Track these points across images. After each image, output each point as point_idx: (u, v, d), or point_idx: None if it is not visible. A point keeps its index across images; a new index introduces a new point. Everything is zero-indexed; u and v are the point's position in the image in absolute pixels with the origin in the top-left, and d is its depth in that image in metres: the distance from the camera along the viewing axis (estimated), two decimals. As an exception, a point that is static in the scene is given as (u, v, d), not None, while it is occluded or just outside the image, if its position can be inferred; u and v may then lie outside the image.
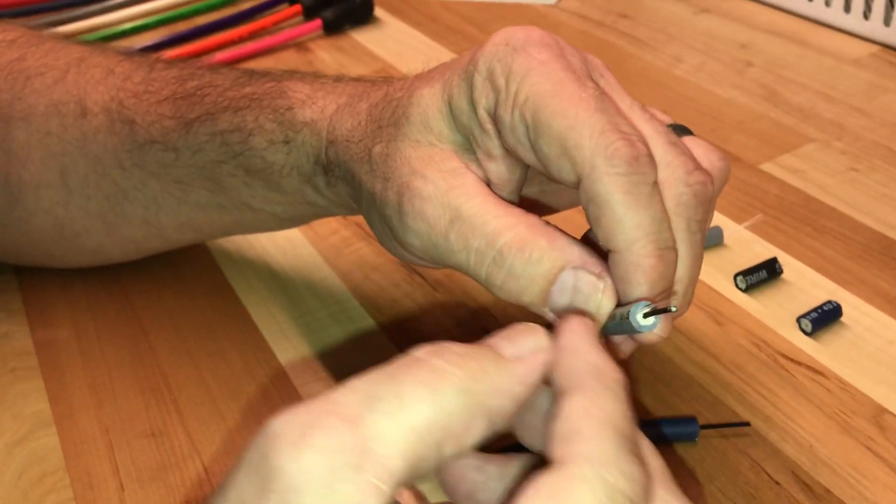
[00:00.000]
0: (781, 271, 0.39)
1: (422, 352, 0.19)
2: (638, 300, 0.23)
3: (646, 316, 0.22)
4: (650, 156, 0.24)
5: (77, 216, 0.36)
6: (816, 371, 0.34)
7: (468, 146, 0.26)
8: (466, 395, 0.18)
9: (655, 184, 0.24)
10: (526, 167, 0.27)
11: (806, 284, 0.39)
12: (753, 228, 0.42)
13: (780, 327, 0.36)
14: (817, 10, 0.63)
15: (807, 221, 0.43)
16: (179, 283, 0.41)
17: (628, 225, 0.23)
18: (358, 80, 0.32)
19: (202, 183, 0.34)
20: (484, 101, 0.25)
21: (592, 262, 0.24)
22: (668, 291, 0.24)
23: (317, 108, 0.30)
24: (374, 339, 0.37)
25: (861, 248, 0.41)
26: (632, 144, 0.23)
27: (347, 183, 0.30)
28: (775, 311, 0.37)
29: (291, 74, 0.33)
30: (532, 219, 0.25)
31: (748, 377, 0.34)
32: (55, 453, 0.32)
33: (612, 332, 0.24)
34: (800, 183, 0.46)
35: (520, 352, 0.20)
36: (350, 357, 0.36)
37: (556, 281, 0.24)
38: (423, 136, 0.26)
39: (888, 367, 0.34)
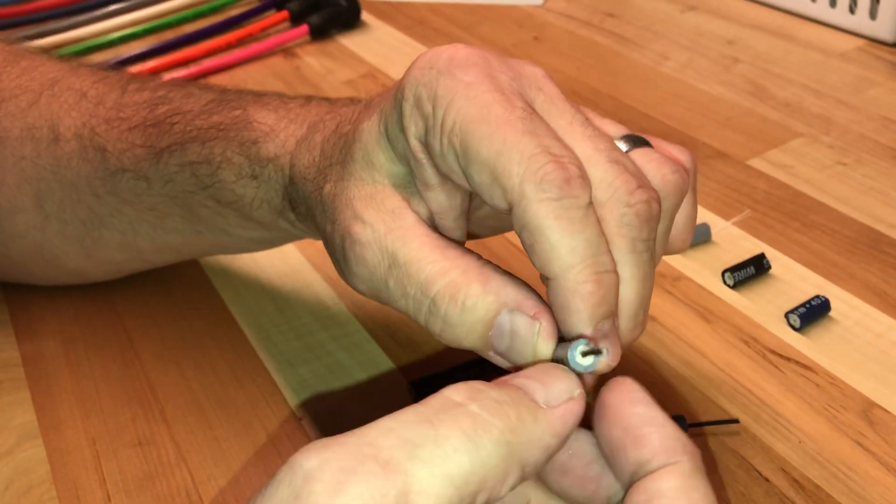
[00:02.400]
0: (769, 267, 0.39)
1: (458, 395, 0.18)
2: (577, 338, 0.22)
3: (584, 355, 0.22)
4: (583, 177, 0.22)
5: (55, 240, 0.36)
6: (805, 366, 0.34)
7: (408, 177, 0.25)
8: (505, 447, 0.18)
9: (590, 206, 0.22)
10: (468, 192, 0.26)
11: (794, 279, 0.39)
12: (741, 224, 0.42)
13: (769, 323, 0.36)
14: (803, 5, 0.63)
15: (794, 216, 0.43)
16: (166, 291, 0.40)
17: (562, 251, 0.22)
18: (323, 102, 0.31)
19: (176, 211, 0.33)
20: (413, 128, 0.24)
21: (528, 304, 0.23)
22: (610, 315, 0.23)
23: (279, 143, 0.30)
24: (363, 345, 0.37)
25: (849, 242, 0.41)
26: (562, 167, 0.22)
27: (310, 220, 0.29)
28: (764, 307, 0.37)
29: (259, 99, 0.32)
30: (467, 261, 0.24)
31: (737, 374, 0.34)
32: (42, 465, 0.32)
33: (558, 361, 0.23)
34: (787, 178, 0.46)
35: (553, 399, 0.20)
36: (339, 364, 0.36)
37: (493, 325, 0.23)
38: (367, 173, 0.26)
39: (877, 361, 0.34)
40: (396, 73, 0.32)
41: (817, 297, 0.36)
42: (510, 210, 0.23)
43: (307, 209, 0.28)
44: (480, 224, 0.28)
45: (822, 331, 0.36)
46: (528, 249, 0.23)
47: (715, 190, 0.45)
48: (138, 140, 0.33)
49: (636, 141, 0.26)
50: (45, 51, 0.40)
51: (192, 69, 0.61)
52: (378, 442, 0.17)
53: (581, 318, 0.22)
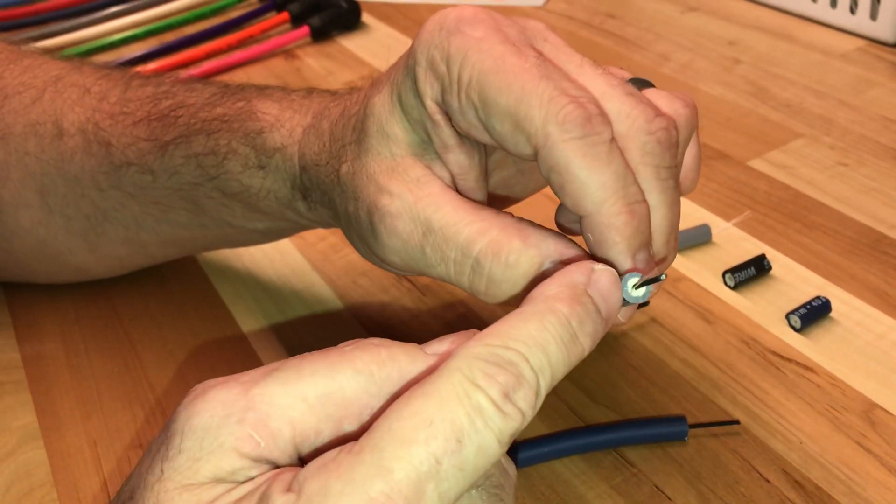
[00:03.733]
0: (770, 268, 0.39)
1: (346, 342, 0.20)
2: (627, 272, 0.23)
3: (636, 287, 0.23)
4: (602, 114, 0.23)
5: (59, 235, 0.36)
6: (806, 367, 0.34)
7: (426, 143, 0.26)
8: (365, 377, 0.19)
9: (613, 140, 0.23)
10: (484, 150, 0.26)
11: (795, 280, 0.39)
12: (742, 225, 0.42)
13: (770, 324, 0.36)
14: (804, 6, 0.63)
15: (795, 217, 0.43)
16: (167, 293, 0.40)
17: (593, 187, 0.23)
18: (325, 93, 0.31)
19: (181, 204, 0.33)
20: (430, 91, 0.25)
21: (570, 253, 0.24)
22: (646, 244, 0.24)
23: (285, 133, 0.30)
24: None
25: (850, 243, 0.41)
26: (581, 106, 0.23)
27: (325, 206, 0.29)
28: (764, 308, 0.37)
29: (262, 91, 0.32)
30: (504, 219, 0.24)
31: (738, 375, 0.34)
32: (43, 466, 0.32)
33: None
34: (788, 179, 0.46)
35: (443, 348, 0.21)
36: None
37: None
38: (384, 146, 0.26)
39: (878, 362, 0.34)
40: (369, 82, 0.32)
41: (818, 297, 0.36)
42: (535, 155, 0.23)
43: (322, 194, 0.29)
44: (499, 185, 0.29)
45: (822, 332, 0.36)
46: (559, 191, 0.23)
47: (716, 191, 0.45)
48: (143, 134, 0.33)
49: (642, 83, 0.26)
50: (48, 51, 0.40)
51: (194, 71, 0.61)
52: (250, 372, 0.20)
53: (620, 251, 0.23)
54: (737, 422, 0.32)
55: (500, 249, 0.24)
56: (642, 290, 0.23)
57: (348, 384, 0.19)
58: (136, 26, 0.69)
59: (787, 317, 0.36)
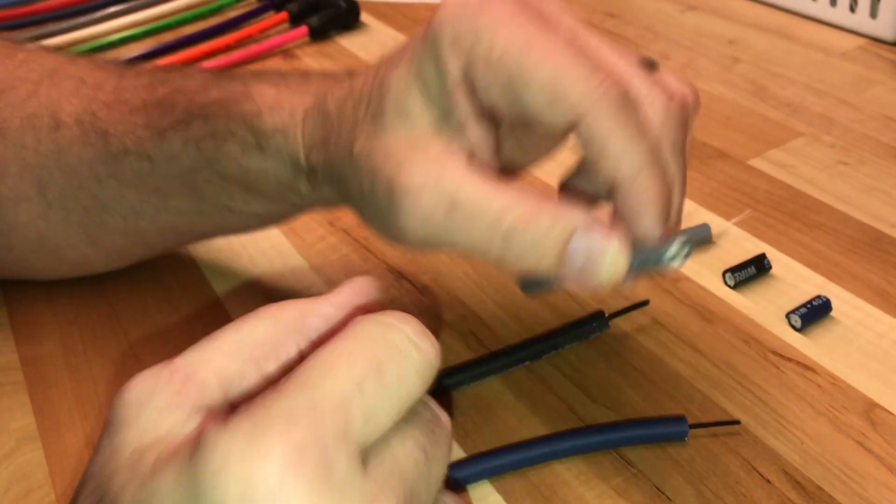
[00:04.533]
0: (770, 267, 0.39)
1: None
2: (662, 241, 0.25)
3: (683, 246, 0.24)
4: (631, 90, 0.25)
5: (58, 229, 0.36)
6: (807, 367, 0.34)
7: (443, 119, 0.26)
8: (272, 320, 0.21)
9: (642, 116, 0.25)
10: (497, 128, 0.27)
11: (795, 279, 0.38)
12: (742, 224, 0.42)
13: (770, 323, 0.36)
14: (804, 5, 0.63)
15: (796, 216, 0.43)
16: (166, 294, 0.40)
17: (631, 155, 0.24)
18: (322, 75, 0.32)
19: (180, 190, 0.33)
20: (454, 64, 0.25)
21: (599, 220, 0.24)
22: (669, 214, 0.25)
23: (285, 114, 0.30)
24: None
25: (850, 242, 0.41)
26: (616, 83, 0.24)
27: (333, 184, 0.30)
28: (764, 308, 0.37)
29: (257, 75, 0.33)
30: (528, 191, 0.25)
31: (738, 374, 0.34)
32: (41, 468, 0.32)
33: (636, 269, 0.25)
34: (788, 178, 0.46)
35: (338, 297, 0.22)
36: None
37: (568, 246, 0.24)
38: (402, 122, 0.26)
39: (879, 361, 0.34)
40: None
41: (818, 297, 0.36)
42: (568, 128, 0.24)
43: (331, 173, 0.29)
44: (501, 159, 0.30)
45: (823, 331, 0.36)
46: (596, 160, 0.24)
47: (716, 190, 0.45)
48: (140, 121, 0.33)
49: (650, 64, 0.28)
50: (41, 47, 0.40)
51: (192, 71, 0.61)
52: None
53: (652, 217, 0.24)
54: (737, 422, 0.31)
55: (531, 219, 0.24)
56: (679, 259, 0.24)
57: (255, 329, 0.21)
58: (134, 26, 0.69)
59: (787, 316, 0.36)
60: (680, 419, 0.31)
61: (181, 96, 0.33)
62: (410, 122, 0.26)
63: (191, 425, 0.19)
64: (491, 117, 0.26)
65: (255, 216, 0.35)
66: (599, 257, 0.24)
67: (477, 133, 0.26)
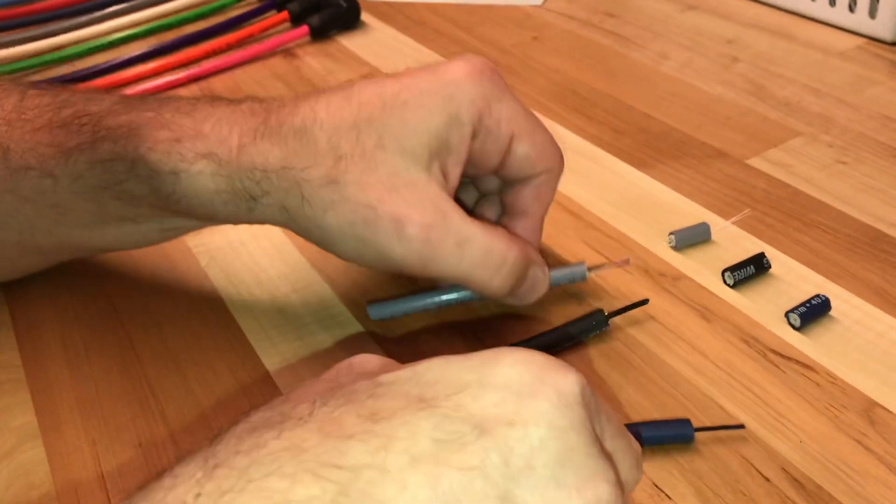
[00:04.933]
0: (769, 266, 0.39)
1: None
2: (577, 264, 0.37)
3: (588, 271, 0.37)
4: None
5: None
6: (806, 366, 0.34)
7: (435, 157, 0.31)
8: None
9: None
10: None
11: (794, 279, 0.39)
12: (741, 223, 0.42)
13: (769, 322, 0.36)
14: (803, 5, 0.63)
15: (794, 215, 0.43)
16: (166, 291, 0.40)
17: (546, 206, 0.36)
18: (242, 100, 0.33)
19: (83, 206, 0.33)
20: (470, 117, 0.31)
21: (541, 260, 0.35)
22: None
23: (212, 140, 0.31)
24: (362, 344, 0.37)
25: (849, 241, 0.41)
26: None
27: (290, 209, 0.31)
28: (764, 307, 0.37)
29: (167, 102, 0.33)
30: (511, 233, 0.34)
31: (737, 373, 0.34)
32: (42, 466, 0.32)
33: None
34: (787, 177, 0.46)
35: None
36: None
37: (527, 279, 0.33)
38: (402, 162, 0.30)
39: (878, 361, 0.34)
40: (351, 89, 0.33)
41: (817, 296, 0.36)
42: (544, 171, 0.35)
43: (287, 199, 0.31)
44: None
45: (822, 330, 0.36)
46: (530, 194, 0.35)
47: (714, 189, 0.45)
48: (44, 139, 0.33)
49: None
50: (42, 51, 0.40)
51: (193, 70, 0.61)
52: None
53: (539, 237, 0.36)
54: (741, 426, 0.31)
55: (529, 257, 0.33)
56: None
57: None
58: (135, 25, 0.69)
59: (786, 315, 0.36)
60: (684, 422, 0.31)
61: (88, 118, 0.33)
62: (410, 161, 0.30)
63: None
64: (481, 163, 0.33)
65: (159, 228, 0.35)
66: (538, 284, 0.34)
67: (456, 174, 0.32)
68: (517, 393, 0.20)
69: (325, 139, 0.30)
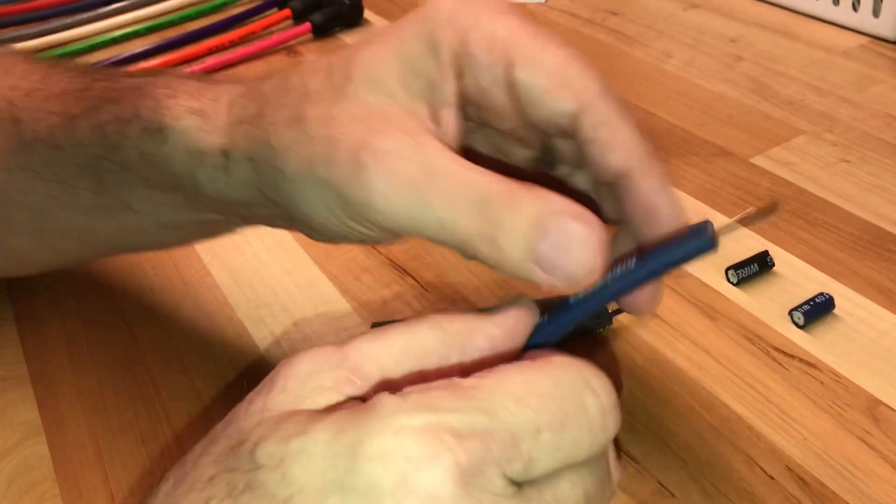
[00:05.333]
0: (773, 264, 0.39)
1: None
2: (693, 225, 0.24)
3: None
4: None
5: None
6: (810, 364, 0.34)
7: (417, 99, 0.25)
8: (439, 331, 0.22)
9: None
10: (467, 121, 0.27)
11: (798, 277, 0.38)
12: (744, 222, 0.42)
13: (773, 320, 0.36)
14: (806, 3, 0.63)
15: (798, 214, 0.43)
16: (169, 288, 0.40)
17: (640, 141, 0.25)
18: (254, 78, 0.31)
19: (85, 183, 0.32)
20: (449, 40, 0.25)
21: (573, 207, 0.22)
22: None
23: (207, 98, 0.29)
24: (365, 341, 0.37)
25: (853, 240, 0.41)
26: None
27: (257, 163, 0.27)
28: (767, 305, 0.37)
29: (190, 74, 0.32)
30: (504, 175, 0.24)
31: (741, 371, 0.34)
32: (45, 462, 0.32)
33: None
34: (791, 175, 0.46)
35: (501, 310, 0.23)
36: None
37: (548, 232, 0.22)
38: (371, 94, 0.25)
39: (882, 359, 0.34)
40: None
41: (821, 294, 0.36)
42: (578, 111, 0.25)
43: (257, 148, 0.27)
44: None
45: (826, 328, 0.36)
46: (605, 145, 0.25)
47: (718, 188, 0.45)
48: (54, 108, 0.32)
49: None
50: (39, 48, 0.40)
51: (195, 67, 0.61)
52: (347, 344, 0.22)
53: (672, 199, 0.25)
54: (776, 205, 0.26)
55: (513, 194, 0.23)
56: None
57: (425, 337, 0.21)
58: (136, 23, 0.69)
59: (790, 313, 0.36)
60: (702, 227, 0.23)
61: (100, 84, 0.32)
62: (380, 95, 0.25)
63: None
64: (463, 108, 0.26)
65: (158, 223, 0.33)
66: (576, 244, 0.22)
67: (451, 119, 0.25)
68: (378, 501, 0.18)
69: (298, 81, 0.27)
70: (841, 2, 0.61)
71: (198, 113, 0.29)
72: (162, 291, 0.40)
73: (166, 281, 0.41)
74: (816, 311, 0.36)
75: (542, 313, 0.24)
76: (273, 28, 0.67)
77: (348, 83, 0.26)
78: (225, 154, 0.28)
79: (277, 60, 0.63)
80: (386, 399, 0.19)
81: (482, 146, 0.29)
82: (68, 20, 0.68)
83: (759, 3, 0.66)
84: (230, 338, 0.37)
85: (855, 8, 0.60)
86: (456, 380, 0.20)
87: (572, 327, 0.25)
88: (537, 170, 0.29)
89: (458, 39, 0.25)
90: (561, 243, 0.22)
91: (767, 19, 0.64)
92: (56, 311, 0.39)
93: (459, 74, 0.25)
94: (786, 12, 0.64)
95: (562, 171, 0.29)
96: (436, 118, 0.25)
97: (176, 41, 0.65)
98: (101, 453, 0.32)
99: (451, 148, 0.24)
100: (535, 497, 0.19)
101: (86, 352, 0.37)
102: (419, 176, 0.23)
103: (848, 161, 0.47)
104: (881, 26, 0.59)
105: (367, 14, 0.69)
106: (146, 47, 0.64)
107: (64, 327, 0.38)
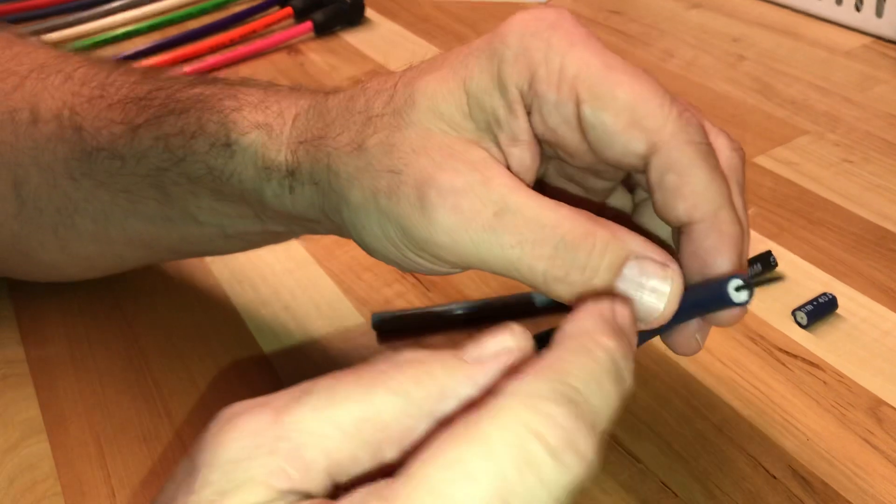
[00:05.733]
0: (776, 264, 0.39)
1: (379, 359, 0.19)
2: (726, 275, 0.22)
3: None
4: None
5: (31, 230, 0.35)
6: (813, 364, 0.34)
7: (484, 132, 0.24)
8: (403, 398, 0.18)
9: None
10: (542, 155, 0.26)
11: (801, 277, 0.38)
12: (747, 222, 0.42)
13: (776, 320, 0.36)
14: (809, 3, 0.63)
15: (801, 214, 0.43)
16: (170, 286, 0.40)
17: (713, 192, 0.23)
18: (318, 89, 0.30)
19: (149, 193, 0.32)
20: (517, 77, 0.24)
21: (656, 251, 0.23)
22: (743, 259, 0.24)
23: (272, 112, 0.29)
24: (367, 342, 0.37)
25: (855, 240, 0.41)
26: (697, 115, 0.23)
27: (320, 186, 0.27)
28: (770, 305, 0.37)
29: (245, 80, 0.32)
30: (584, 211, 0.23)
31: (744, 371, 0.34)
32: (46, 460, 0.32)
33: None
34: (793, 175, 0.46)
35: (482, 353, 0.19)
36: (343, 360, 0.36)
37: (622, 272, 0.22)
38: (434, 123, 0.24)
39: (885, 359, 0.34)
40: (401, 69, 0.32)
41: (824, 294, 0.36)
42: (648, 153, 0.23)
43: (319, 172, 0.27)
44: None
45: (829, 328, 0.36)
46: (672, 193, 0.23)
47: (721, 187, 0.45)
48: (117, 117, 0.32)
49: None
50: (53, 43, 0.39)
51: (196, 66, 0.61)
52: (280, 394, 0.18)
53: (732, 259, 0.23)
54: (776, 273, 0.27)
55: (588, 234, 0.22)
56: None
57: (385, 407, 0.18)
58: (138, 21, 0.69)
59: (793, 313, 0.36)
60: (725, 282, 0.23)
61: (162, 92, 0.32)
62: (443, 125, 0.24)
63: None
64: (538, 145, 0.25)
65: (221, 232, 0.33)
66: (653, 289, 0.22)
67: (523, 156, 0.24)
68: None
69: (363, 103, 0.26)
70: (844, 2, 0.61)
71: (264, 128, 0.28)
72: (164, 290, 0.40)
73: (168, 279, 0.41)
74: (819, 311, 0.36)
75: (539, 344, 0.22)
76: (274, 26, 0.67)
77: (411, 109, 0.25)
78: (290, 173, 0.28)
79: (279, 59, 0.63)
80: None
81: (554, 177, 0.28)
82: (69, 18, 0.68)
83: (762, 3, 0.66)
84: (232, 336, 0.37)
85: (858, 8, 0.60)
86: (382, 484, 0.16)
87: None
88: (611, 196, 0.28)
89: (527, 77, 0.24)
90: (637, 288, 0.22)
91: (770, 19, 0.64)
92: (58, 309, 0.39)
93: (529, 112, 0.24)
94: (788, 12, 0.64)
95: (640, 196, 0.28)
96: (506, 153, 0.25)
97: (177, 39, 0.65)
98: (103, 451, 0.32)
99: (522, 182, 0.24)
100: None
101: (87, 350, 0.37)
102: (488, 215, 0.23)
103: (851, 161, 0.47)
104: (884, 26, 0.59)
105: (369, 12, 0.69)
106: (147, 45, 0.64)
107: (65, 326, 0.38)
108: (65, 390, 0.35)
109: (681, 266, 0.23)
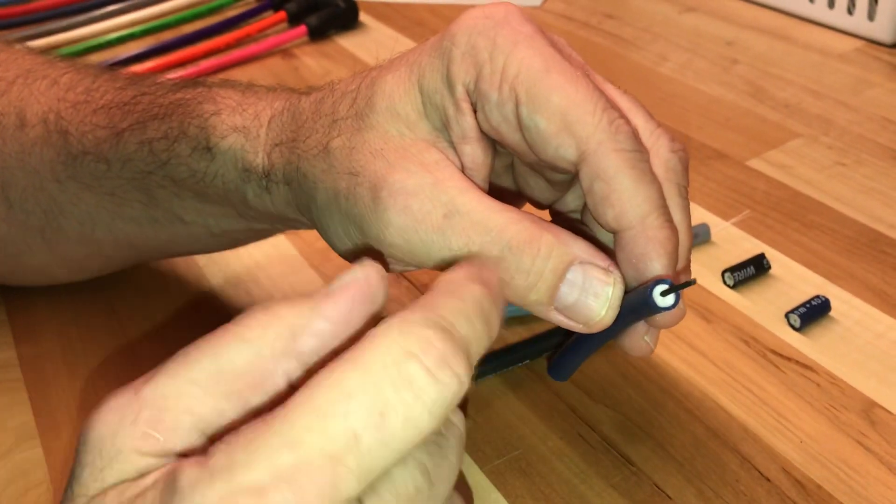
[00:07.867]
0: (769, 267, 0.39)
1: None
2: (652, 280, 0.23)
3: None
4: (637, 133, 0.24)
5: (18, 232, 0.35)
6: (806, 366, 0.34)
7: (439, 131, 0.25)
8: (252, 343, 0.18)
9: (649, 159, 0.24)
10: (495, 151, 0.26)
11: (794, 279, 0.39)
12: (741, 225, 0.42)
13: (769, 323, 0.36)
14: (802, 7, 0.63)
15: (794, 217, 0.43)
16: (165, 292, 0.40)
17: (640, 199, 0.23)
18: (293, 89, 0.31)
19: (135, 195, 0.33)
20: (463, 76, 0.24)
21: (600, 256, 0.23)
22: (676, 263, 0.24)
23: (249, 115, 0.29)
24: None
25: (849, 242, 0.41)
26: (628, 122, 0.24)
27: (292, 187, 0.28)
28: (764, 307, 0.37)
29: (224, 82, 0.32)
30: (531, 214, 0.24)
31: (737, 374, 0.34)
32: (39, 466, 0.32)
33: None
34: (787, 178, 0.46)
35: (331, 288, 0.19)
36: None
37: (564, 277, 0.23)
38: (392, 125, 0.25)
39: (878, 361, 0.34)
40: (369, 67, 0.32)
41: (817, 296, 0.36)
42: (574, 161, 0.23)
43: (290, 173, 0.27)
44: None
45: (822, 331, 0.36)
46: (600, 200, 0.23)
47: (714, 190, 0.45)
48: (101, 121, 0.32)
49: None
50: (41, 50, 0.39)
51: (191, 70, 0.61)
52: (146, 375, 0.19)
53: (663, 264, 0.23)
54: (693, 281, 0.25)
55: (533, 239, 0.23)
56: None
57: (236, 356, 0.18)
58: (132, 25, 0.69)
59: (786, 316, 0.36)
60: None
61: (145, 98, 0.32)
62: (401, 126, 0.25)
63: (157, 472, 0.17)
64: (490, 141, 0.25)
65: (207, 231, 0.33)
66: (595, 294, 0.23)
67: (474, 152, 0.25)
68: None
69: (330, 105, 0.27)
70: (837, 5, 0.61)
71: (241, 131, 0.29)
72: (157, 296, 0.40)
73: (163, 284, 0.41)
74: (812, 313, 0.36)
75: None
76: (269, 31, 0.67)
77: (371, 111, 0.25)
78: (266, 175, 0.28)
79: (273, 63, 0.63)
80: (181, 474, 0.16)
81: (515, 171, 0.29)
82: (64, 22, 0.68)
83: (755, 7, 0.66)
84: (226, 341, 0.37)
85: (850, 11, 0.60)
86: (262, 418, 0.17)
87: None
88: (570, 191, 0.28)
89: (473, 75, 0.24)
90: (580, 292, 0.23)
91: (763, 22, 0.64)
92: (51, 314, 0.39)
93: (475, 110, 0.25)
94: (782, 15, 0.65)
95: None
96: (459, 151, 0.25)
97: (172, 44, 0.65)
98: (96, 457, 0.32)
99: (473, 182, 0.24)
100: None
101: (80, 355, 0.37)
102: (438, 217, 0.23)
103: (844, 164, 0.47)
104: (877, 30, 0.59)
105: (363, 16, 0.69)
106: (142, 49, 0.64)
107: (59, 331, 0.38)
108: (58, 396, 0.35)
109: (620, 271, 0.24)
